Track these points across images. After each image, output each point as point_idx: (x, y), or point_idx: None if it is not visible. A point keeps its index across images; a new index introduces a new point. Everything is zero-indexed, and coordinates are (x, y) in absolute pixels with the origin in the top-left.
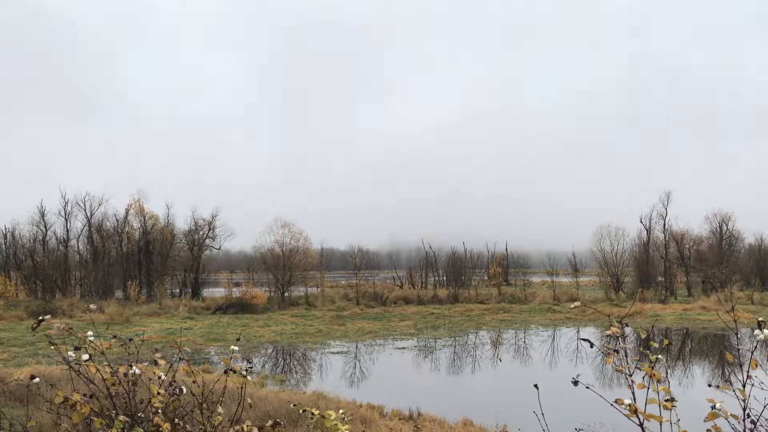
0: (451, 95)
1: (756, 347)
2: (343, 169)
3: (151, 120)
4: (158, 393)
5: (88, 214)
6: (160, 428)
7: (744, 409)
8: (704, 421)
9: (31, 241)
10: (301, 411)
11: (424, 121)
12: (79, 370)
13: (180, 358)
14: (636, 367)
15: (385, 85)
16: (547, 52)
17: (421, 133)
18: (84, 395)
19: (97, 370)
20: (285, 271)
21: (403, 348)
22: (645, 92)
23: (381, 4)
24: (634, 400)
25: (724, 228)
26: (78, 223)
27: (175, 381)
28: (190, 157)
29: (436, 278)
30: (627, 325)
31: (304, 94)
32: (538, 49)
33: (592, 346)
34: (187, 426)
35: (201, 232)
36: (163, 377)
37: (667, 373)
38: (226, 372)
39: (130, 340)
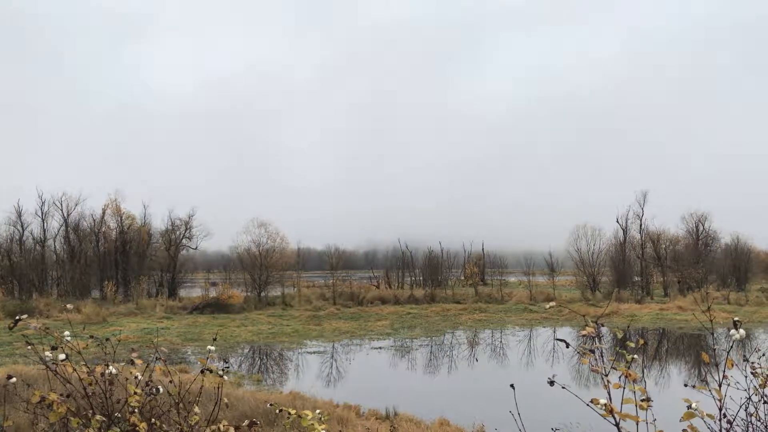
0: (430, 97)
1: (732, 347)
2: (321, 169)
3: (127, 120)
4: (135, 393)
5: (65, 214)
6: (137, 428)
7: (720, 409)
8: (680, 420)
9: (8, 240)
10: (278, 411)
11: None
12: (56, 370)
13: (157, 357)
14: (612, 367)
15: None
16: (527, 50)
17: (396, 137)
18: (61, 395)
19: (74, 369)
20: (262, 271)
21: (380, 348)
22: (625, 91)
23: None
24: (610, 400)
25: (701, 228)
26: (55, 223)
27: (151, 381)
28: (168, 157)
29: (413, 278)
30: (603, 325)
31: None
32: (516, 46)
33: (568, 346)
34: (164, 426)
35: (178, 232)
36: (139, 377)
37: (643, 373)
38: (202, 372)
39: (107, 339)
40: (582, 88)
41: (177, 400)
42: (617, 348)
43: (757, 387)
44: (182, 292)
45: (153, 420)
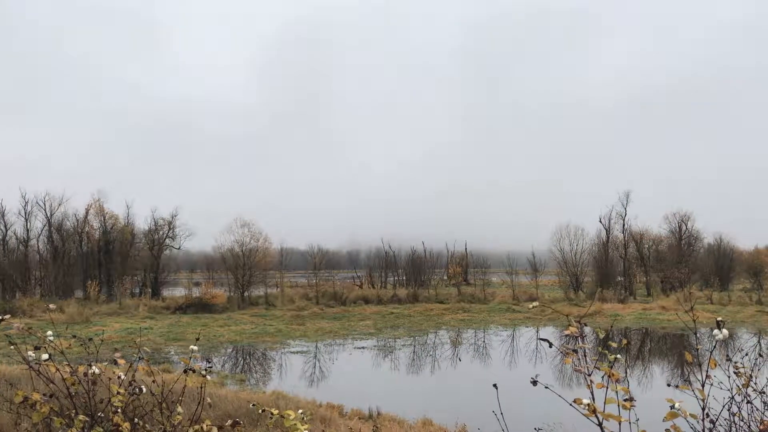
0: (415, 96)
1: (715, 347)
2: (304, 169)
3: (108, 121)
4: (118, 392)
5: (48, 214)
6: (120, 428)
7: (703, 409)
8: (663, 420)
9: None
10: (260, 411)
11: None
12: (39, 370)
13: (140, 357)
14: (595, 367)
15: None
16: (515, 52)
17: (385, 135)
18: (44, 395)
19: (57, 369)
20: (245, 270)
21: (363, 348)
22: (609, 93)
23: None
24: (593, 399)
25: (683, 228)
26: (38, 223)
27: (134, 380)
28: (151, 157)
29: (396, 278)
30: (586, 325)
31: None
32: (506, 49)
33: (551, 346)
34: (147, 425)
35: (161, 232)
36: (122, 377)
37: (626, 372)
38: (185, 371)
39: (90, 339)
40: (569, 89)
41: (160, 400)
42: (600, 348)
43: (740, 387)
44: (165, 292)
45: (136, 420)
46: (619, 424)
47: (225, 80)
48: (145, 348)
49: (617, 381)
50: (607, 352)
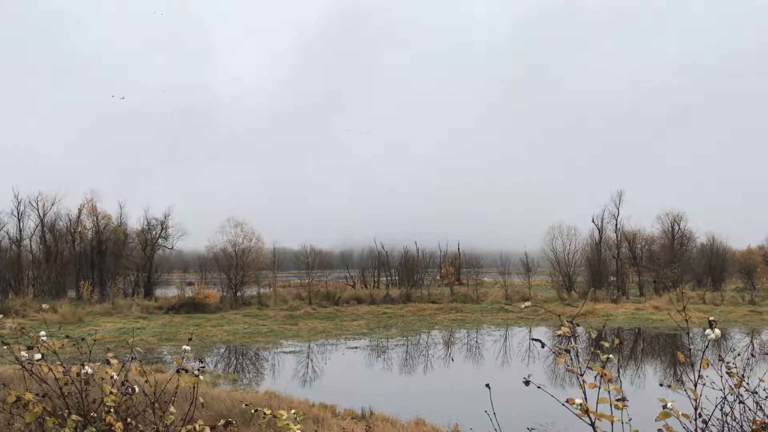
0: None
1: (707, 347)
2: (296, 169)
3: (101, 120)
4: (111, 392)
5: (41, 214)
6: (113, 427)
7: (695, 409)
8: (655, 420)
9: None
10: (253, 411)
11: (379, 124)
12: (31, 370)
13: (132, 357)
14: (587, 367)
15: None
16: (511, 52)
17: (374, 137)
18: (37, 395)
19: (50, 369)
20: (237, 270)
21: (356, 347)
22: (607, 94)
23: None
24: (586, 399)
25: (676, 228)
26: (31, 223)
27: (127, 380)
28: (144, 156)
29: (389, 278)
30: (578, 325)
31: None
32: (503, 50)
33: (543, 346)
34: (140, 425)
35: (153, 232)
36: (115, 377)
37: (618, 372)
38: (178, 371)
39: (83, 339)
40: (566, 89)
41: (153, 400)
42: (592, 348)
43: (733, 387)
44: (158, 292)
45: (129, 420)
46: (612, 423)
47: (225, 80)
48: (137, 348)
49: (609, 381)
50: (599, 352)
